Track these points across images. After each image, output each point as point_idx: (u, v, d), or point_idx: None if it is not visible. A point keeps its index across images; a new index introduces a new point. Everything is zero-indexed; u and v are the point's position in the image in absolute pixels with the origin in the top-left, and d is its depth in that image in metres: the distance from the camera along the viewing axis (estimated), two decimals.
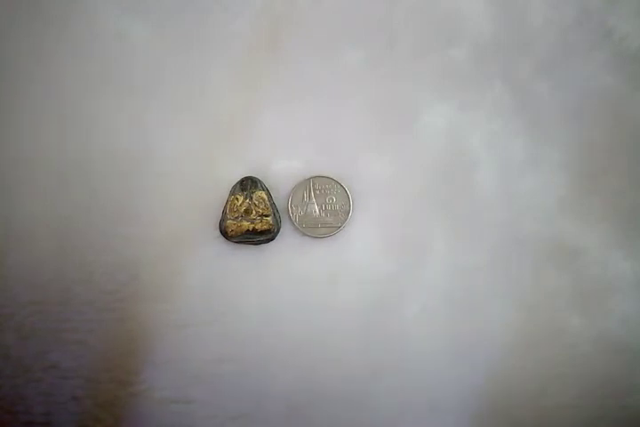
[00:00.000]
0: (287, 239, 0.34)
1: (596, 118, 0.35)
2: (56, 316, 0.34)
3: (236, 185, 0.34)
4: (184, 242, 0.34)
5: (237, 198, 0.34)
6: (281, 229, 0.34)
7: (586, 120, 0.35)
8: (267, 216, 0.34)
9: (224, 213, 0.34)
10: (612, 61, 0.35)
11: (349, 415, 0.34)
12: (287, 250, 0.34)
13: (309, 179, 0.35)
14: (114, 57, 0.35)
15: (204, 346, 0.34)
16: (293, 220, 0.34)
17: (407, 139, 0.35)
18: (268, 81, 0.35)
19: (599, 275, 0.34)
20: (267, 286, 0.34)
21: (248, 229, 0.33)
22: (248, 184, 0.34)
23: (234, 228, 0.33)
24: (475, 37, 0.35)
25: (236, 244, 0.34)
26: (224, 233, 0.34)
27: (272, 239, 0.34)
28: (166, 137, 0.35)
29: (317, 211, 0.34)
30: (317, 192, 0.34)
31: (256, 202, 0.34)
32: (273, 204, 0.34)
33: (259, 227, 0.33)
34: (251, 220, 0.34)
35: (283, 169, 0.35)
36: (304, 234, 0.34)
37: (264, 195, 0.34)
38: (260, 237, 0.34)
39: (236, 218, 0.34)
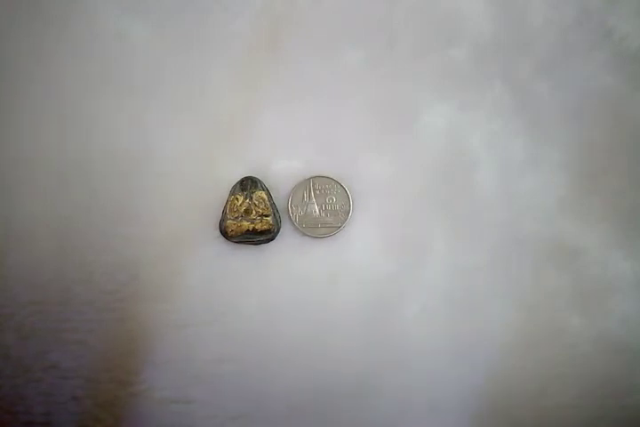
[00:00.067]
0: (287, 239, 0.35)
1: (596, 118, 0.35)
2: (56, 316, 0.34)
3: (236, 185, 0.34)
4: (184, 242, 0.34)
5: (237, 198, 0.34)
6: (281, 229, 0.34)
7: (586, 120, 0.35)
8: (267, 216, 0.34)
9: (224, 213, 0.34)
10: (612, 61, 0.35)
11: (349, 415, 0.34)
12: (287, 250, 0.34)
13: (309, 179, 0.35)
14: (114, 57, 0.35)
15: (204, 346, 0.34)
16: (293, 220, 0.34)
17: (407, 139, 0.35)
18: (268, 81, 0.35)
19: (599, 275, 0.34)
20: (267, 286, 0.34)
21: (248, 229, 0.33)
22: (248, 184, 0.34)
23: (234, 228, 0.33)
24: (475, 37, 0.35)
25: (236, 244, 0.34)
26: (224, 233, 0.34)
27: (272, 239, 0.34)
28: (166, 137, 0.35)
29: (317, 211, 0.34)
30: (317, 192, 0.34)
31: (256, 202, 0.34)
32: (273, 204, 0.34)
33: (259, 227, 0.33)
34: (251, 220, 0.34)
35: (283, 169, 0.35)
36: (304, 234, 0.34)
37: (264, 195, 0.34)
38: (260, 237, 0.34)
39: (236, 218, 0.34)
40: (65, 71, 0.35)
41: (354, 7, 0.35)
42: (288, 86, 0.35)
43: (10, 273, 0.34)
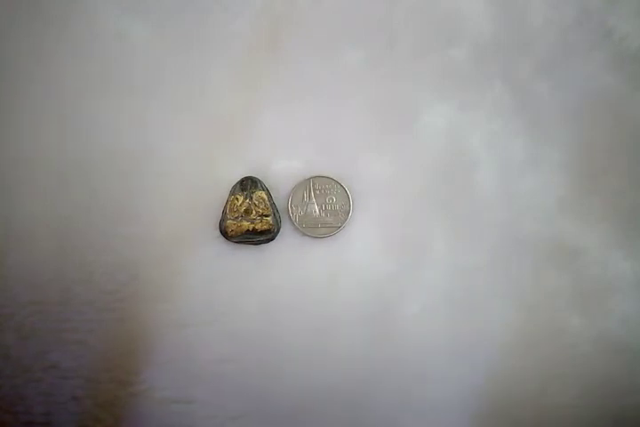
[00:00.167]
0: (287, 239, 0.34)
1: (596, 118, 0.35)
2: (56, 316, 0.34)
3: (236, 185, 0.34)
4: (184, 242, 0.34)
5: (237, 198, 0.34)
6: (281, 229, 0.34)
7: (586, 120, 0.35)
8: (267, 216, 0.34)
9: (224, 213, 0.34)
10: (612, 61, 0.35)
11: (349, 415, 0.34)
12: (287, 250, 0.34)
13: (309, 179, 0.35)
14: (114, 57, 0.35)
15: (205, 346, 0.34)
16: (293, 220, 0.34)
17: (407, 139, 0.35)
18: (268, 81, 0.35)
19: (599, 275, 0.34)
20: (267, 286, 0.34)
21: (248, 229, 0.33)
22: (248, 184, 0.34)
23: (234, 228, 0.34)
24: (475, 37, 0.35)
25: (236, 244, 0.34)
26: (224, 233, 0.34)
27: (272, 239, 0.34)
28: (166, 137, 0.35)
29: (317, 211, 0.34)
30: (317, 192, 0.34)
31: (256, 202, 0.34)
32: (273, 204, 0.34)
33: (259, 227, 0.33)
34: (251, 220, 0.34)
35: (283, 169, 0.35)
36: (304, 234, 0.34)
37: (264, 195, 0.34)
38: (260, 237, 0.34)
39: (236, 218, 0.34)
40: (65, 71, 0.35)
41: (354, 7, 0.35)
42: (288, 86, 0.35)
43: (10, 273, 0.34)
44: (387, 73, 0.35)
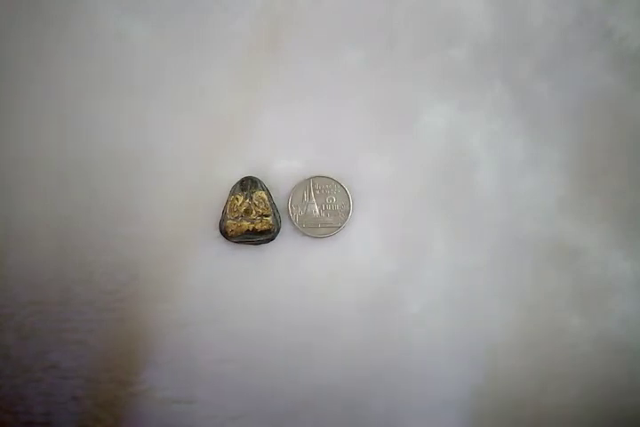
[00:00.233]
0: (287, 239, 0.35)
1: (596, 118, 0.35)
2: (56, 316, 0.34)
3: (236, 185, 0.34)
4: (184, 242, 0.34)
5: (237, 198, 0.34)
6: (281, 229, 0.34)
7: (586, 120, 0.35)
8: (267, 216, 0.34)
9: (224, 213, 0.34)
10: (612, 61, 0.35)
11: (350, 415, 0.34)
12: (287, 250, 0.34)
13: (309, 179, 0.35)
14: (114, 57, 0.35)
15: (205, 346, 0.34)
16: (293, 220, 0.34)
17: (407, 139, 0.35)
18: (268, 81, 0.35)
19: (599, 275, 0.34)
20: (267, 286, 0.34)
21: (248, 229, 0.33)
22: (248, 184, 0.34)
23: (234, 228, 0.34)
24: (475, 37, 0.35)
25: (236, 244, 0.34)
26: (224, 233, 0.34)
27: (272, 239, 0.34)
28: (166, 137, 0.35)
29: (317, 211, 0.34)
30: (317, 192, 0.34)
31: (256, 202, 0.34)
32: (273, 204, 0.34)
33: (259, 227, 0.33)
34: (251, 220, 0.34)
35: (283, 169, 0.35)
36: (304, 234, 0.34)
37: (264, 195, 0.34)
38: (260, 237, 0.34)
39: (236, 218, 0.34)
40: (65, 71, 0.35)
41: (354, 7, 0.35)
42: (288, 86, 0.35)
43: (10, 273, 0.34)
44: (387, 73, 0.35)
